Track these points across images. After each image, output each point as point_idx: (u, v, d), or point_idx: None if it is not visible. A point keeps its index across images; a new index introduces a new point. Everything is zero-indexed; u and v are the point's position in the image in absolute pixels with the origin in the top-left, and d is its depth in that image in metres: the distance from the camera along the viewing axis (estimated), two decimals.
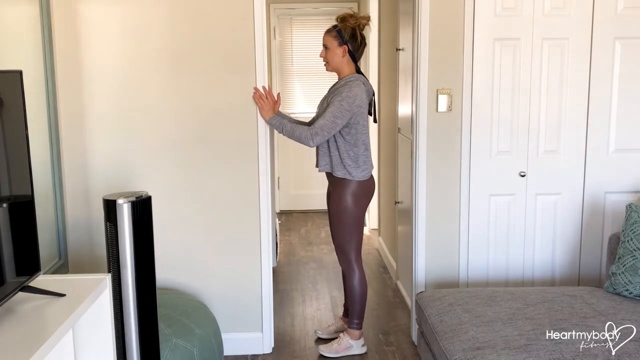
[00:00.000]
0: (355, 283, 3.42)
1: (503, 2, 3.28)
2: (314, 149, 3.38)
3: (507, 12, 3.29)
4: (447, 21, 3.30)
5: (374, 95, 3.42)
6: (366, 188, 3.35)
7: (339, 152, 3.27)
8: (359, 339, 3.47)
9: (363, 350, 3.49)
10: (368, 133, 3.33)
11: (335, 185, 3.36)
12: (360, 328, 3.48)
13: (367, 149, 3.32)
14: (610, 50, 3.34)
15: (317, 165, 3.40)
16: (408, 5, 3.65)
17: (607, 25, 3.32)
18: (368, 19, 3.34)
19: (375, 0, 5.47)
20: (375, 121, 3.57)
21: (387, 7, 4.75)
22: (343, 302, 3.82)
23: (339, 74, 3.35)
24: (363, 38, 3.33)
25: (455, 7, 3.28)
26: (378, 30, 5.31)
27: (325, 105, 3.29)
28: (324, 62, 3.36)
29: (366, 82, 3.33)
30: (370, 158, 3.36)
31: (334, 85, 3.36)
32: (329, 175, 3.40)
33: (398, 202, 4.26)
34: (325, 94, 3.40)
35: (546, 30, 3.31)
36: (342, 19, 3.29)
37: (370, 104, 3.37)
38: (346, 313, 3.66)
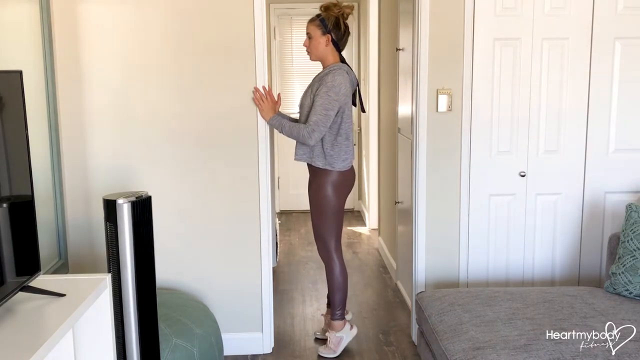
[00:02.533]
0: (337, 273, 3.42)
1: (503, 2, 3.28)
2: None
3: (507, 12, 3.29)
4: (447, 21, 3.30)
5: (358, 85, 3.43)
6: (346, 178, 3.36)
7: (322, 142, 3.27)
8: (343, 327, 3.47)
9: (354, 332, 3.51)
10: (351, 123, 3.34)
11: (316, 175, 3.37)
12: (342, 317, 3.48)
13: (349, 138, 3.32)
14: (610, 50, 3.34)
15: (295, 155, 3.37)
16: (408, 5, 3.65)
17: (607, 25, 3.32)
18: (352, 8, 3.35)
19: (375, 0, 5.47)
20: (363, 111, 3.59)
21: (387, 7, 4.75)
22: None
23: (322, 63, 3.35)
24: (347, 27, 3.34)
25: (455, 7, 3.28)
26: (378, 30, 5.31)
27: (310, 95, 3.29)
28: (307, 51, 3.37)
29: (350, 71, 3.34)
30: (352, 148, 3.37)
31: (317, 74, 3.36)
32: (309, 166, 3.41)
33: (398, 202, 4.26)
34: (309, 83, 3.40)
35: (546, 30, 3.31)
36: (326, 8, 3.29)
37: (354, 94, 3.37)
38: (330, 304, 3.66)
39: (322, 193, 3.33)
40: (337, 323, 3.47)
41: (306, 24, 3.36)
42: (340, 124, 3.26)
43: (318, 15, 3.31)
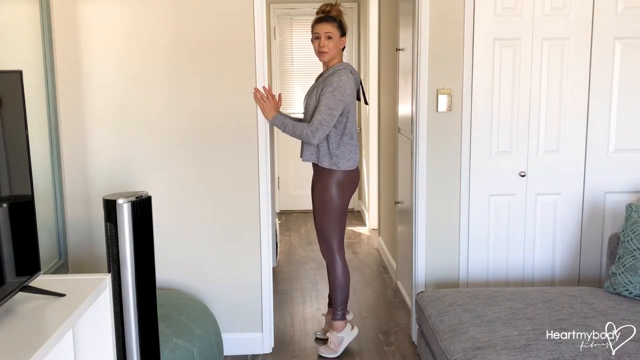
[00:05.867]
0: (339, 273, 3.43)
1: (503, 2, 3.28)
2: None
3: (507, 12, 3.29)
4: (447, 21, 3.30)
5: (361, 83, 3.47)
6: (351, 178, 3.37)
7: (327, 141, 3.28)
8: (344, 328, 3.48)
9: (354, 333, 3.51)
10: (355, 122, 3.37)
11: (320, 175, 3.38)
12: (343, 318, 3.48)
13: (353, 137, 3.34)
14: (610, 50, 3.34)
15: (301, 155, 3.40)
16: (408, 5, 3.65)
17: (607, 25, 3.32)
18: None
19: (375, 0, 5.47)
20: (366, 103, 3.64)
21: (387, 7, 4.75)
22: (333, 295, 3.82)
23: (329, 63, 3.36)
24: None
25: (455, 7, 3.29)
26: (378, 30, 5.31)
27: (315, 95, 3.29)
28: (324, 52, 3.28)
29: (354, 70, 3.38)
30: (357, 147, 3.38)
31: (321, 74, 3.37)
32: (315, 165, 3.42)
33: (398, 202, 4.26)
34: (313, 84, 3.40)
35: (546, 30, 3.31)
36: (337, 10, 3.34)
37: (358, 91, 3.40)
38: (331, 303, 3.66)
39: (327, 193, 3.34)
40: (338, 323, 3.47)
41: (321, 24, 3.28)
42: (346, 124, 3.28)
43: (332, 17, 3.30)
